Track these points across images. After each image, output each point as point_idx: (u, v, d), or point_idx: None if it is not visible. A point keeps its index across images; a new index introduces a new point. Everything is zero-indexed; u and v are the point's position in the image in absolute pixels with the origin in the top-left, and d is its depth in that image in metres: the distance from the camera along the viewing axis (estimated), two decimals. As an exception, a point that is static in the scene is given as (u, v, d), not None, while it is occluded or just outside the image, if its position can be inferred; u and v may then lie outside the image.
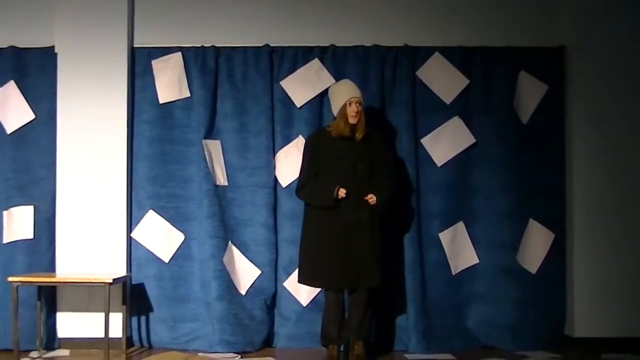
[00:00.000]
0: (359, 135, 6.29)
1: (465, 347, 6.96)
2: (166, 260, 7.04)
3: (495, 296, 7.07)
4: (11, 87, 7.01)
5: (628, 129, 7.02)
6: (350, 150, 6.29)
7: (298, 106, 7.11)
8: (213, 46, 7.11)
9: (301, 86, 7.10)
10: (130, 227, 7.03)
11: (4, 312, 6.76)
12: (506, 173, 7.09)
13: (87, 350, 6.81)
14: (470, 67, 7.18)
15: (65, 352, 6.82)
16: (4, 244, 6.94)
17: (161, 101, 7.10)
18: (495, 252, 7.10)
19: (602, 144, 7.01)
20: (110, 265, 6.87)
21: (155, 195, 7.05)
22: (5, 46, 7.03)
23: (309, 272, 6.31)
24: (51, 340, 6.91)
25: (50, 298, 6.90)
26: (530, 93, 7.17)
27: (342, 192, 6.18)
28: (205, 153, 6.97)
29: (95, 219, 6.91)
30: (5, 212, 6.96)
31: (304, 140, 6.81)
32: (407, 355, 6.78)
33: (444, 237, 7.10)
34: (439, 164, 7.12)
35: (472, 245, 7.14)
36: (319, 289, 6.74)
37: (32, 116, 7.02)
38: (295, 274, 6.89)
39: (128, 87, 7.03)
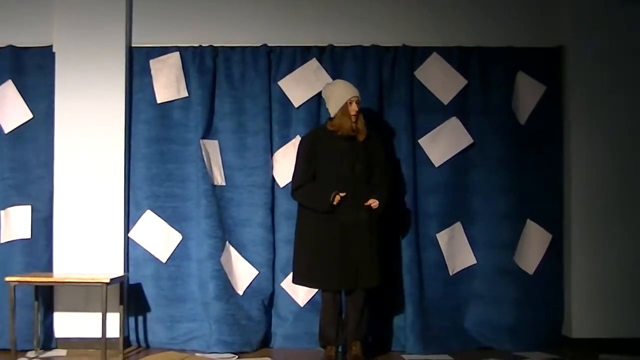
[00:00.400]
0: (361, 137, 6.28)
1: (462, 347, 6.97)
2: (164, 260, 7.03)
3: (493, 297, 7.07)
4: (9, 86, 7.01)
5: (626, 129, 7.02)
6: (349, 150, 6.29)
7: (296, 106, 7.11)
8: (211, 46, 7.11)
9: (299, 86, 7.10)
10: (127, 227, 7.03)
11: (2, 312, 6.75)
12: (504, 173, 7.10)
13: (84, 350, 6.81)
14: (468, 67, 7.18)
15: (62, 352, 6.81)
16: (1, 243, 6.94)
17: (159, 101, 7.09)
18: (493, 253, 7.10)
19: (600, 144, 7.01)
20: (107, 265, 6.87)
21: (152, 195, 7.05)
22: (3, 45, 7.03)
23: (306, 273, 6.30)
24: (48, 340, 6.90)
25: (47, 298, 6.90)
26: (528, 93, 7.17)
27: (337, 198, 6.17)
28: (203, 153, 6.97)
29: (93, 219, 6.90)
30: (2, 212, 6.95)
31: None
32: (404, 356, 6.78)
33: (442, 237, 7.10)
34: (436, 165, 7.11)
35: (469, 246, 7.14)
36: (316, 289, 6.73)
37: (29, 115, 7.01)
38: (293, 274, 6.95)
39: (126, 86, 7.02)
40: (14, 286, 6.32)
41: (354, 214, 6.22)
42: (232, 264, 7.04)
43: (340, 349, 6.49)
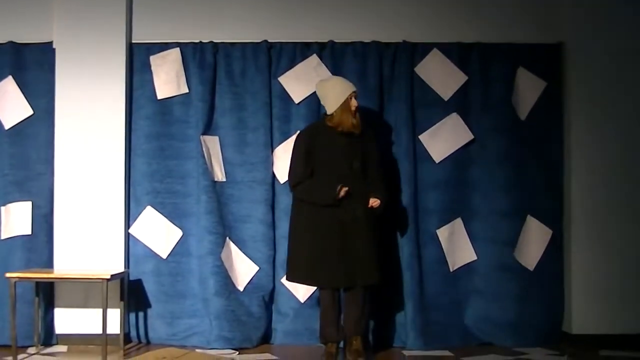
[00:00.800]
0: (357, 131, 6.28)
1: (462, 343, 6.96)
2: (164, 256, 7.03)
3: (493, 293, 7.07)
4: (9, 82, 7.00)
5: (626, 126, 7.02)
6: (348, 147, 6.28)
7: (296, 102, 7.11)
8: (211, 42, 7.11)
9: (299, 82, 7.09)
10: (128, 223, 7.03)
11: (2, 308, 6.76)
12: (504, 169, 7.09)
13: (84, 347, 6.82)
14: (469, 63, 7.17)
15: (63, 348, 6.82)
16: (2, 240, 6.93)
17: (159, 97, 7.09)
18: (493, 249, 7.10)
19: (600, 140, 7.01)
20: (108, 261, 6.87)
21: (153, 191, 7.05)
22: (3, 41, 7.02)
23: (304, 271, 6.26)
24: (49, 336, 6.91)
25: (48, 294, 6.90)
26: (528, 89, 7.17)
27: (343, 192, 6.16)
28: (204, 149, 6.97)
29: (93, 215, 6.91)
30: (3, 208, 6.95)
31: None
32: (404, 352, 6.78)
33: (442, 233, 7.09)
34: (437, 161, 7.11)
35: (470, 242, 7.13)
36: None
37: (30, 112, 7.01)
38: (294, 270, 6.96)
39: (126, 82, 7.02)
40: (15, 282, 6.32)
41: (351, 211, 6.21)
42: (233, 260, 7.04)
43: (341, 345, 6.48)
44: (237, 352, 6.69)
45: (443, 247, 7.08)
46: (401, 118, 7.09)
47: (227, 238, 7.03)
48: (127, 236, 7.02)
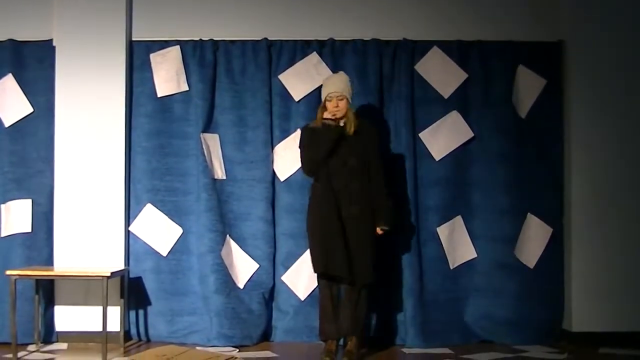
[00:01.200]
0: (349, 130, 6.25)
1: (462, 341, 6.97)
2: (164, 254, 7.04)
3: (493, 290, 7.07)
4: (9, 80, 7.00)
5: (627, 123, 7.01)
6: (342, 144, 6.26)
7: (296, 100, 7.11)
8: (211, 40, 7.11)
9: (299, 80, 7.09)
10: (128, 221, 7.03)
11: (2, 305, 6.77)
12: (504, 167, 7.09)
13: (84, 344, 6.82)
14: (469, 61, 7.17)
15: (63, 346, 6.83)
16: (2, 237, 6.94)
17: (159, 95, 7.09)
18: (494, 247, 7.10)
19: (601, 138, 7.01)
20: (108, 259, 6.87)
21: (153, 189, 7.05)
22: (3, 39, 7.02)
23: (313, 259, 6.26)
24: (49, 334, 6.91)
25: (48, 291, 6.90)
26: (528, 87, 7.17)
27: (329, 114, 6.20)
28: (204, 147, 6.97)
29: (93, 213, 6.91)
30: (2, 206, 6.95)
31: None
32: (404, 350, 6.79)
33: (442, 231, 7.09)
34: (437, 158, 7.11)
35: (470, 240, 7.14)
36: (316, 284, 6.70)
37: (30, 109, 7.01)
38: (293, 267, 6.97)
39: (126, 80, 7.02)
40: (15, 280, 6.33)
41: (345, 208, 6.20)
42: (233, 257, 7.04)
43: (341, 342, 6.48)
44: (237, 350, 6.69)
45: (443, 244, 7.08)
46: (401, 116, 7.09)
47: (227, 236, 7.04)
48: (127, 234, 7.02)
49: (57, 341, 6.92)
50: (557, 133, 7.16)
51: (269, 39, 7.13)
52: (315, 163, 6.29)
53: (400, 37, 7.14)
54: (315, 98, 7.04)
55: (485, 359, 6.41)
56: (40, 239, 6.95)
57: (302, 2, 7.22)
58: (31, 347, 6.73)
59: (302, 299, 7.02)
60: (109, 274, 6.30)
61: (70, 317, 6.90)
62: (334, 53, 7.15)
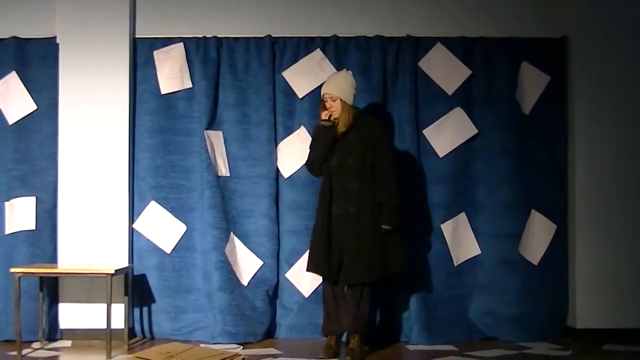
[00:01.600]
0: (340, 129, 6.23)
1: (467, 338, 6.97)
2: (168, 251, 7.04)
3: (498, 287, 7.07)
4: (13, 77, 7.01)
5: (631, 120, 7.00)
6: (339, 144, 6.25)
7: (300, 97, 7.11)
8: (215, 37, 7.11)
9: (303, 77, 7.09)
10: (132, 218, 7.03)
11: (7, 303, 6.78)
12: (508, 164, 7.09)
13: (89, 341, 6.83)
14: (472, 57, 7.17)
15: (67, 343, 6.83)
16: (6, 235, 6.94)
17: (163, 92, 7.09)
18: (498, 243, 7.09)
19: (605, 134, 7.00)
20: (112, 256, 6.87)
21: (157, 186, 7.05)
22: (7, 37, 7.03)
23: (309, 259, 6.32)
24: (53, 331, 6.92)
25: (52, 289, 6.91)
26: (532, 84, 7.16)
27: (324, 114, 6.21)
28: (207, 144, 6.97)
29: (97, 210, 6.91)
30: (7, 203, 6.96)
31: (305, 131, 6.88)
32: (408, 346, 6.79)
33: (446, 228, 7.09)
34: (441, 155, 7.11)
35: (474, 236, 7.13)
36: (321, 280, 6.71)
37: (33, 107, 7.01)
38: (297, 264, 6.97)
39: (130, 77, 7.02)
40: (19, 277, 6.32)
41: (343, 208, 6.19)
42: (237, 254, 7.04)
43: (344, 339, 6.48)
44: (242, 347, 6.70)
45: (447, 241, 7.07)
46: (405, 113, 7.08)
47: (231, 233, 7.04)
48: (131, 231, 7.03)
49: (62, 338, 6.93)
50: (561, 129, 7.15)
51: (273, 36, 7.12)
52: (311, 164, 6.34)
53: (404, 33, 7.14)
54: (318, 95, 7.01)
55: (490, 355, 6.41)
56: (44, 236, 6.95)
57: (306, -1, 7.23)
58: (35, 345, 6.73)
59: (306, 296, 7.02)
60: (113, 272, 6.30)
61: (74, 315, 6.91)
62: (338, 50, 7.14)
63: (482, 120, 7.14)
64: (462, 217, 7.12)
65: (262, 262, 7.06)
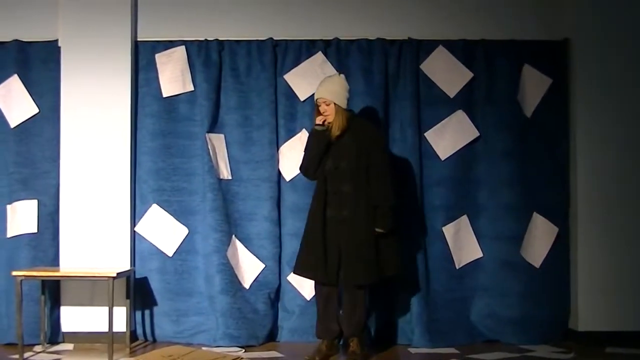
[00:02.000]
0: (334, 133, 6.22)
1: (468, 340, 6.97)
2: (170, 254, 7.04)
3: (499, 290, 7.07)
4: (15, 80, 7.01)
5: (632, 122, 7.00)
6: (333, 147, 6.24)
7: (302, 100, 7.11)
8: (216, 40, 7.11)
9: (305, 80, 7.09)
10: (134, 221, 7.03)
11: (8, 306, 6.78)
12: (510, 166, 7.08)
13: (91, 345, 6.83)
14: (474, 60, 7.16)
15: (69, 346, 6.83)
16: (8, 238, 6.94)
17: (165, 95, 7.10)
18: (499, 246, 7.09)
19: (606, 137, 6.99)
20: (113, 259, 6.88)
21: (158, 189, 7.05)
22: (8, 40, 7.03)
23: (297, 261, 6.33)
24: (55, 334, 6.92)
25: (54, 292, 6.91)
26: (534, 86, 7.16)
27: (319, 119, 6.21)
28: (209, 147, 6.97)
29: (99, 213, 6.91)
30: (9, 206, 6.96)
31: (307, 134, 6.86)
32: (410, 349, 6.79)
33: (448, 230, 7.09)
34: (442, 158, 7.11)
35: (476, 239, 7.13)
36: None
37: (35, 110, 7.01)
38: (300, 268, 6.97)
39: (131, 80, 7.03)
40: (21, 280, 6.33)
41: (337, 211, 6.18)
42: (238, 257, 7.04)
43: (341, 343, 6.47)
44: (243, 350, 6.70)
45: (449, 244, 7.08)
46: (406, 115, 7.08)
47: (233, 236, 7.04)
48: (133, 234, 7.03)
49: (63, 342, 6.93)
50: (562, 132, 7.15)
51: (274, 38, 7.13)
52: (306, 168, 6.36)
53: (406, 36, 7.14)
54: (320, 98, 7.05)
55: (491, 358, 6.41)
56: (46, 239, 6.95)
57: (307, 1, 7.21)
58: (37, 348, 6.73)
59: (308, 298, 7.01)
60: (114, 275, 6.30)
61: (76, 318, 6.91)
62: (339, 53, 7.14)
63: (483, 123, 7.14)
64: (464, 219, 7.12)
65: (263, 265, 7.06)
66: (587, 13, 7.05)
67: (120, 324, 6.69)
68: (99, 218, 6.91)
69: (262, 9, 7.20)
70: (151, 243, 7.03)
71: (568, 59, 7.16)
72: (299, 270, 6.34)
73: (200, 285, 7.02)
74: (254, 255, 7.07)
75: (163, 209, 7.04)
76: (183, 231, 7.05)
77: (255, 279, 7.06)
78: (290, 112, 7.12)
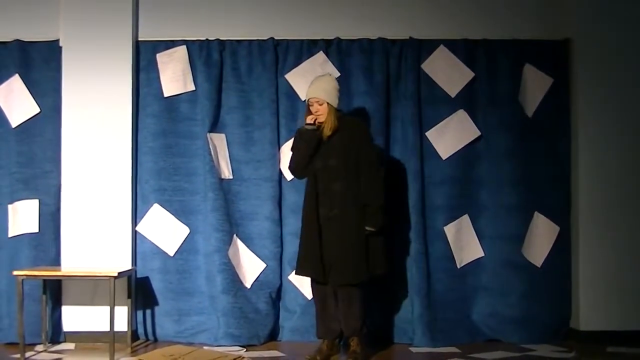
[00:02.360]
0: (325, 133, 6.21)
1: (470, 340, 6.97)
2: (171, 253, 7.04)
3: (501, 289, 7.06)
4: (16, 80, 7.01)
5: (634, 122, 7.00)
6: (323, 146, 6.24)
7: (303, 99, 7.09)
8: (218, 39, 7.11)
9: (306, 79, 7.05)
10: (135, 221, 7.04)
11: (10, 305, 6.78)
12: (511, 166, 7.08)
13: (92, 344, 6.83)
14: (475, 60, 7.16)
15: (70, 346, 6.84)
16: (9, 237, 6.95)
17: (166, 95, 7.10)
18: (501, 245, 7.09)
19: (608, 136, 6.99)
20: (115, 259, 6.88)
21: (160, 189, 7.06)
22: (10, 40, 7.03)
23: (297, 262, 6.32)
24: (56, 334, 6.92)
25: (55, 292, 6.91)
26: (535, 86, 7.16)
27: (309, 118, 6.21)
28: (210, 146, 6.98)
29: (100, 213, 6.91)
30: (10, 206, 6.96)
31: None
32: (411, 348, 6.79)
33: (449, 230, 7.09)
34: (444, 157, 7.10)
35: (477, 239, 7.13)
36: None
37: (37, 110, 7.02)
38: (301, 267, 6.97)
39: (133, 80, 7.03)
40: (22, 280, 6.33)
41: (327, 210, 6.17)
42: (240, 257, 7.04)
43: (342, 343, 6.47)
44: (245, 349, 6.70)
45: (450, 243, 7.07)
46: (408, 115, 7.08)
47: (234, 235, 7.04)
48: (135, 234, 7.03)
49: (65, 341, 6.93)
50: (564, 131, 7.15)
51: (276, 38, 7.13)
52: (295, 167, 6.36)
53: (407, 36, 7.14)
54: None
55: (493, 357, 6.40)
56: (47, 239, 6.96)
57: (309, 1, 7.22)
58: (39, 347, 6.74)
59: (309, 298, 6.98)
60: (116, 274, 6.30)
61: (77, 317, 6.91)
62: (341, 52, 7.15)
63: (485, 123, 7.14)
64: (465, 219, 7.11)
65: (265, 265, 7.07)
66: (589, 13, 7.05)
67: (122, 324, 6.69)
68: (100, 218, 6.91)
69: (263, 8, 7.20)
70: (152, 243, 7.04)
71: (569, 58, 7.16)
72: (299, 270, 6.33)
73: (201, 285, 7.02)
74: (255, 254, 7.07)
75: (164, 208, 7.04)
76: (184, 231, 7.06)
77: (257, 278, 7.06)
78: (291, 112, 7.13)
